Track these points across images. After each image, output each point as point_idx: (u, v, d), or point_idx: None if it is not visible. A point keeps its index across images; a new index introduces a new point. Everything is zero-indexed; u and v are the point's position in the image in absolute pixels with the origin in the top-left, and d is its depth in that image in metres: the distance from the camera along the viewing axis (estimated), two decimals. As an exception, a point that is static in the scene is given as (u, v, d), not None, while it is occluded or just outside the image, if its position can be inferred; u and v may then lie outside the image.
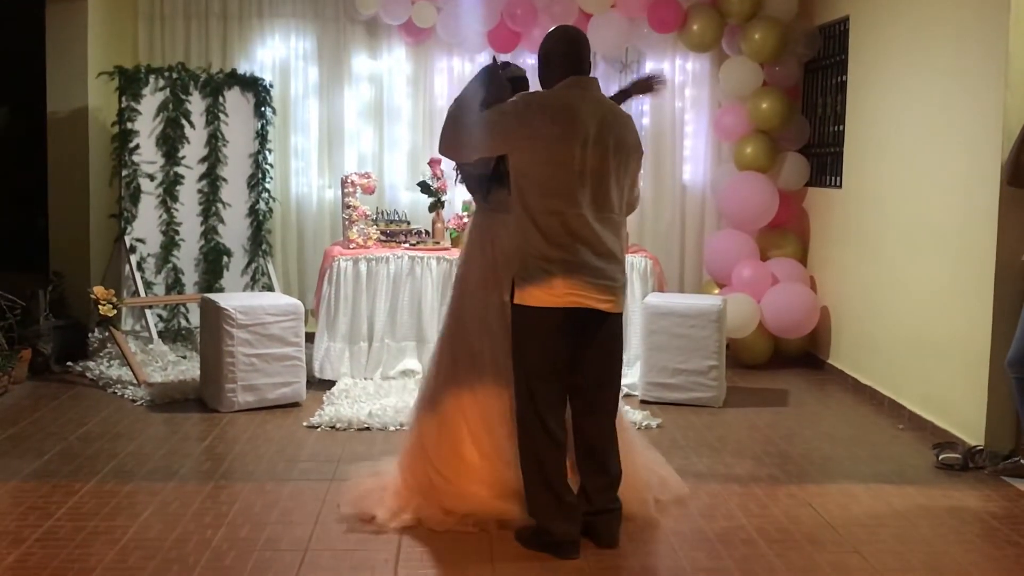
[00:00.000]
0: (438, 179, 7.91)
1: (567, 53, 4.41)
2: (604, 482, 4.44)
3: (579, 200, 4.20)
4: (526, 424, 4.36)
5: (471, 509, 4.55)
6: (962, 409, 6.00)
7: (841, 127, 7.95)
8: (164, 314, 8.32)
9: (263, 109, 8.51)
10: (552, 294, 4.21)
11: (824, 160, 8.38)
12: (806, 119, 8.57)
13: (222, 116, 8.35)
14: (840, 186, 7.91)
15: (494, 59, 4.64)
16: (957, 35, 6.15)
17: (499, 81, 4.51)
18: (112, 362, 7.56)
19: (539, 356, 4.31)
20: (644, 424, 6.32)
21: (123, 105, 8.01)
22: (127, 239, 8.03)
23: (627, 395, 6.84)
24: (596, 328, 4.34)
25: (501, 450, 4.56)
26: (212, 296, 6.82)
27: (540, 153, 4.19)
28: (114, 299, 7.41)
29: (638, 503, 4.67)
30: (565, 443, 4.40)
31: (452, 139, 4.37)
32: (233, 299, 6.74)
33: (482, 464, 4.58)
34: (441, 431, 4.67)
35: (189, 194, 8.30)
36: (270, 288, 8.43)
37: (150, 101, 8.11)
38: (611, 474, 4.46)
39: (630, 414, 6.31)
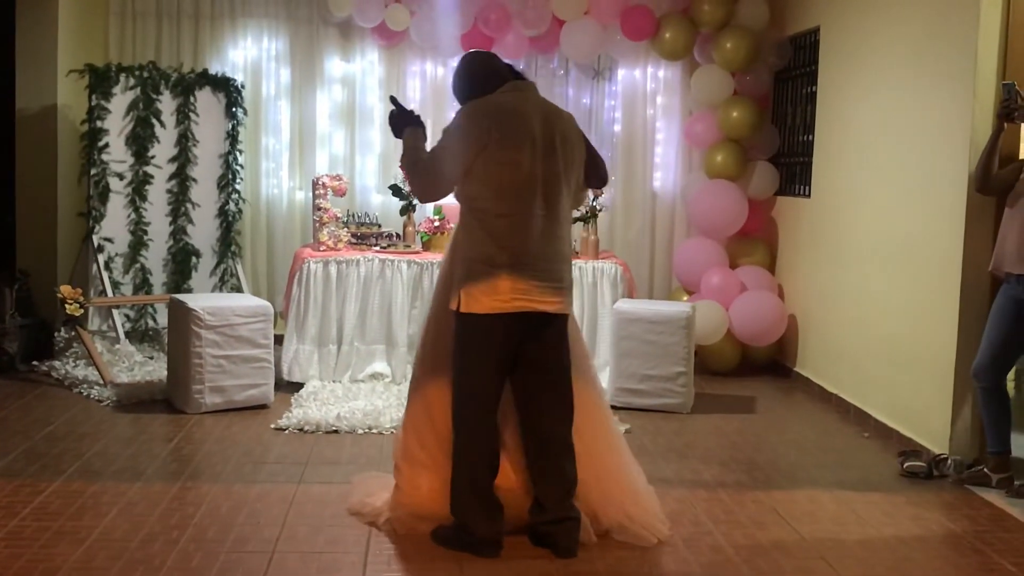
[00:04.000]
0: (406, 179, 7.90)
1: (492, 65, 4.46)
2: (558, 490, 4.39)
3: (531, 200, 4.21)
4: (462, 427, 4.35)
5: (432, 513, 4.53)
6: (927, 417, 6.05)
7: (810, 137, 8.01)
8: (131, 314, 8.27)
9: (234, 110, 8.48)
10: (499, 299, 4.19)
11: (793, 169, 8.44)
12: (776, 128, 8.63)
13: (193, 116, 8.31)
14: (809, 195, 7.97)
15: (392, 99, 4.64)
16: (926, 46, 6.21)
17: (405, 112, 4.55)
18: (78, 362, 7.50)
19: (482, 362, 4.29)
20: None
21: (93, 103, 7.97)
22: (95, 238, 7.98)
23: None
24: (542, 329, 4.32)
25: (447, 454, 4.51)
26: (180, 297, 6.79)
27: (492, 156, 4.18)
28: (81, 298, 7.36)
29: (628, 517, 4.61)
30: (499, 446, 4.40)
31: (424, 184, 4.36)
32: (201, 300, 6.71)
33: (432, 469, 4.55)
34: (405, 436, 4.66)
35: (158, 194, 8.25)
36: (239, 289, 8.40)
37: (120, 100, 8.07)
38: (565, 481, 4.40)
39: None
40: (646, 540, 4.50)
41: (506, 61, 4.68)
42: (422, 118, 4.62)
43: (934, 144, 6.07)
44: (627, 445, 4.85)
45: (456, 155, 4.24)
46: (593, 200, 7.83)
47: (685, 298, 8.42)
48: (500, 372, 4.33)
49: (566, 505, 4.39)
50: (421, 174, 4.36)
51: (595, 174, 4.56)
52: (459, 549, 4.35)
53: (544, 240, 4.26)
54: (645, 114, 9.04)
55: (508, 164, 4.18)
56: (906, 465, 5.69)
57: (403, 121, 4.54)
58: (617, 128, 9.04)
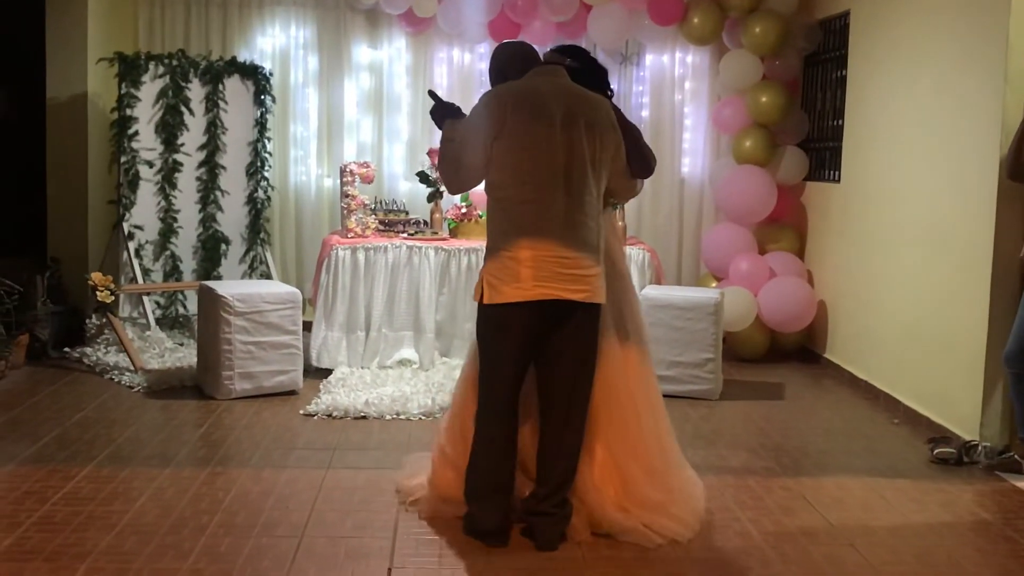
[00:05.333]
0: (437, 169, 7.91)
1: (521, 53, 4.44)
2: (546, 486, 4.32)
3: (554, 186, 4.15)
4: (482, 416, 4.32)
5: (458, 497, 4.51)
6: (957, 404, 6.01)
7: (840, 122, 7.96)
8: (162, 301, 8.32)
9: (263, 97, 8.51)
10: (520, 288, 4.12)
11: (823, 154, 8.39)
12: (805, 113, 8.58)
13: (221, 104, 8.34)
14: (839, 181, 7.92)
15: (430, 93, 4.64)
16: (957, 30, 6.16)
17: (444, 105, 4.53)
18: (109, 348, 7.56)
19: (505, 352, 4.25)
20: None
21: (123, 91, 8.00)
22: (125, 225, 8.03)
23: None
24: (566, 319, 4.22)
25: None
26: (210, 283, 6.83)
27: (509, 140, 4.15)
28: (112, 285, 7.41)
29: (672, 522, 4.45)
30: (516, 437, 4.34)
31: (449, 174, 4.37)
32: (231, 287, 6.74)
33: (458, 467, 4.53)
34: (443, 430, 4.70)
35: (188, 181, 8.29)
36: (268, 276, 8.43)
37: (150, 88, 8.11)
38: (553, 478, 4.31)
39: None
40: (650, 541, 4.34)
41: (558, 46, 4.66)
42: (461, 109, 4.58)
43: (965, 129, 6.01)
44: (664, 429, 4.67)
45: (474, 142, 4.22)
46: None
47: (713, 284, 8.39)
48: (522, 362, 4.28)
49: (553, 501, 4.30)
50: (446, 164, 4.35)
51: (638, 162, 4.47)
52: (470, 536, 4.34)
53: (569, 227, 4.17)
54: (673, 99, 9.01)
55: (525, 147, 4.14)
56: (936, 452, 5.65)
57: (443, 113, 4.51)
58: (645, 113, 9.01)
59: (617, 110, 4.46)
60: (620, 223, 7.75)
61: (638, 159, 4.48)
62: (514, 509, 4.42)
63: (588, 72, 4.52)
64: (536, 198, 4.15)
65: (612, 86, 4.70)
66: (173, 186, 8.22)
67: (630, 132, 4.47)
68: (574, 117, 4.20)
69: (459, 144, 4.30)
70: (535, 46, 4.66)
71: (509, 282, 4.14)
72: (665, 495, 4.51)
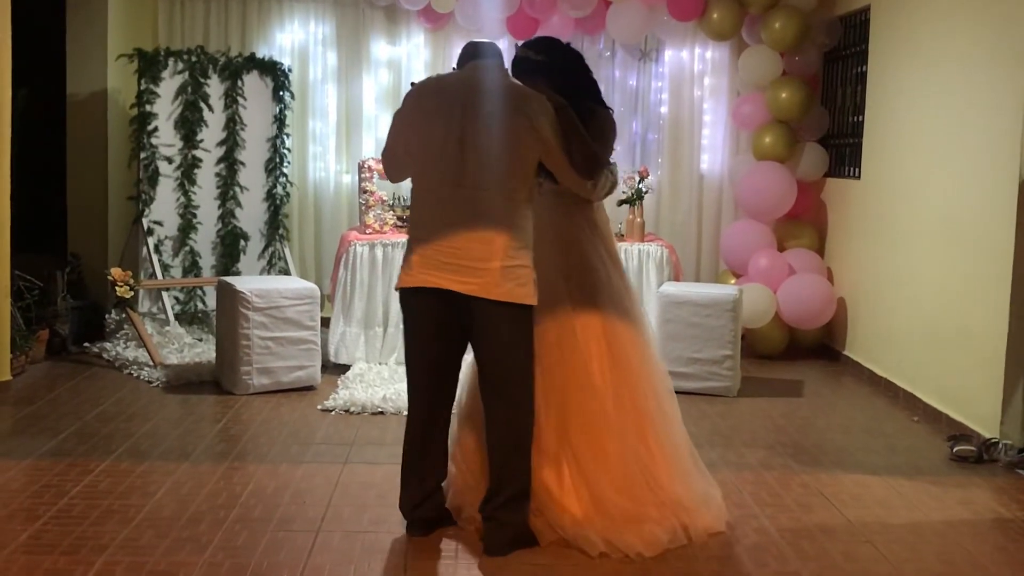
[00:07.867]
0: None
1: (464, 52, 4.46)
2: (488, 489, 4.26)
3: (450, 177, 4.09)
4: (408, 398, 4.35)
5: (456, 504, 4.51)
6: (977, 402, 5.97)
7: (861, 118, 7.92)
8: (181, 296, 8.35)
9: (281, 93, 8.52)
10: (410, 274, 4.16)
11: (843, 151, 8.35)
12: (825, 109, 8.53)
13: (240, 100, 8.36)
14: (859, 177, 7.88)
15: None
16: (979, 25, 6.11)
17: None
18: (128, 343, 7.59)
19: (410, 339, 4.30)
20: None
21: (142, 88, 8.03)
22: (145, 221, 8.06)
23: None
24: (470, 316, 4.12)
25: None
26: (228, 279, 6.85)
27: (415, 130, 4.20)
28: (131, 281, 7.44)
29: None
30: (430, 433, 4.31)
31: (383, 165, 4.45)
32: (249, 282, 6.76)
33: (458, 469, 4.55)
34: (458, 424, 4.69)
35: (207, 177, 8.32)
36: (286, 272, 8.45)
37: (169, 84, 8.14)
38: (493, 480, 4.22)
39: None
40: (593, 548, 4.14)
41: (528, 40, 4.71)
42: None
43: (986, 125, 5.97)
44: (653, 434, 4.45)
45: (395, 131, 4.31)
46: (640, 182, 7.80)
47: (732, 281, 8.37)
48: (436, 348, 4.24)
49: (489, 506, 4.21)
50: (383, 153, 4.43)
51: (580, 161, 4.25)
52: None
53: (464, 218, 4.08)
54: (692, 95, 8.97)
55: (422, 137, 4.17)
56: (956, 449, 5.62)
57: None
58: (664, 110, 8.98)
59: (564, 106, 4.26)
60: (638, 219, 7.75)
61: (580, 158, 4.27)
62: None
63: (548, 66, 4.48)
64: (435, 187, 4.16)
65: (592, 74, 4.69)
66: (192, 182, 8.24)
67: (573, 129, 4.24)
68: (482, 111, 4.13)
69: (387, 137, 4.39)
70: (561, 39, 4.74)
71: (405, 268, 4.21)
72: (652, 508, 4.30)
